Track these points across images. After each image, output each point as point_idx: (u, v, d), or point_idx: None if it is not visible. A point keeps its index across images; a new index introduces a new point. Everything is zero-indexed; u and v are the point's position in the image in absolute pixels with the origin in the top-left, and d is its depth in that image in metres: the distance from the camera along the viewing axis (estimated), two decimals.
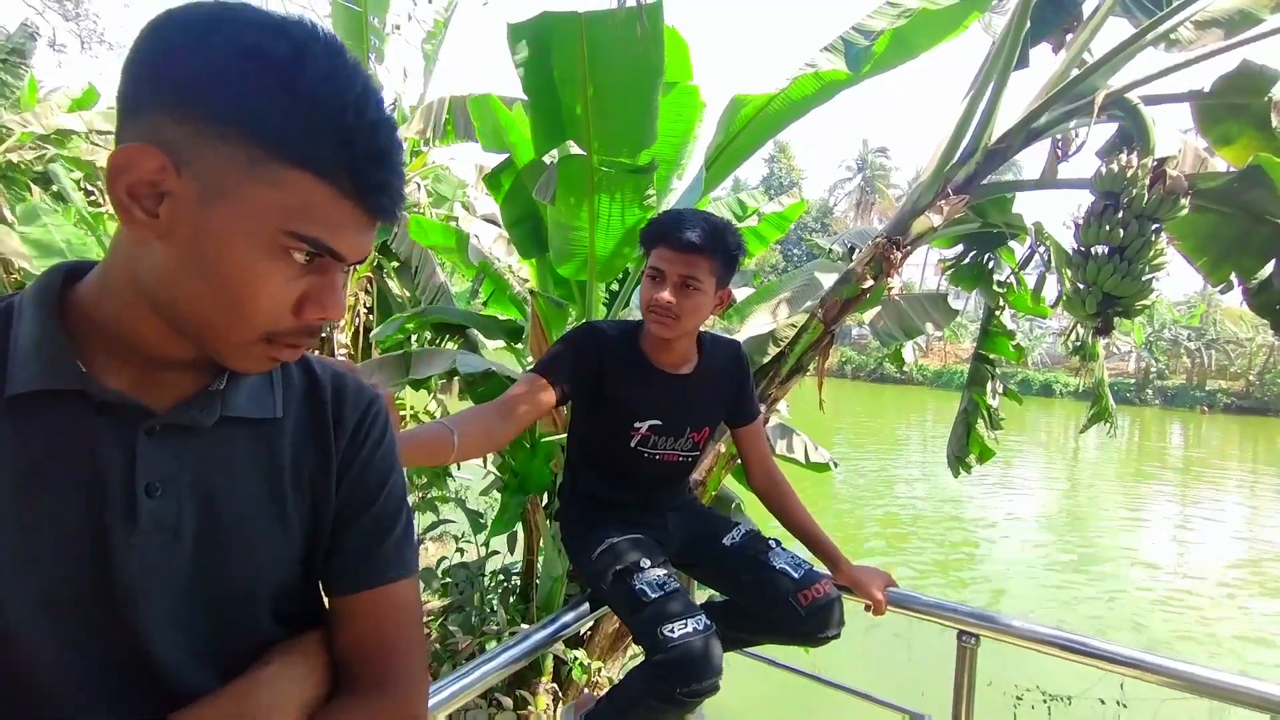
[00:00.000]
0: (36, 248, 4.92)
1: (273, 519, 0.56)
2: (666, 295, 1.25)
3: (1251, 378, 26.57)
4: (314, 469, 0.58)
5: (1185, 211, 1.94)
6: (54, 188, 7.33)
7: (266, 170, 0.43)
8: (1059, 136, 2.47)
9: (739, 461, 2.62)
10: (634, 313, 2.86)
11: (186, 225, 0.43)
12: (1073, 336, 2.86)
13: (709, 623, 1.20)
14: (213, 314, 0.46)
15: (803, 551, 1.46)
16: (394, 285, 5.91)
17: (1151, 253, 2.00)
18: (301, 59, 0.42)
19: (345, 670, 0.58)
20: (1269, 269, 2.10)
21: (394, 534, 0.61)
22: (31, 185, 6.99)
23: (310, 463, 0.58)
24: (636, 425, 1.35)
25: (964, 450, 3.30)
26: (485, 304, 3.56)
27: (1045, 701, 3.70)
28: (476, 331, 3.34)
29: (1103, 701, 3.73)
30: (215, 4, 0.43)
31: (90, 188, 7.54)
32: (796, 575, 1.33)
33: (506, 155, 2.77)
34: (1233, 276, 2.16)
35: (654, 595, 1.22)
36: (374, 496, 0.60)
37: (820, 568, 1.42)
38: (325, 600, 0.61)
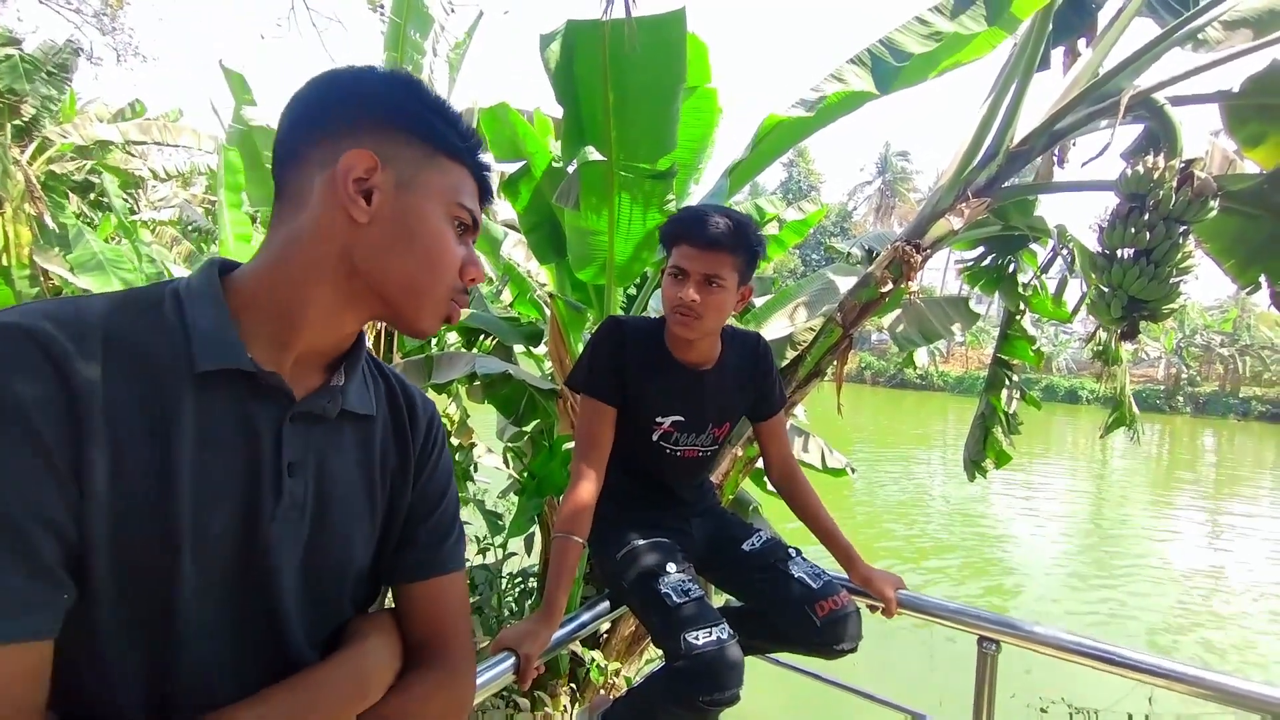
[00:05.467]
0: (77, 263, 5.11)
1: (365, 507, 0.63)
2: (691, 293, 1.23)
3: None
4: (395, 467, 0.66)
5: (1214, 213, 1.90)
6: (92, 195, 7.59)
7: (436, 161, 0.60)
8: (1063, 143, 2.44)
9: (756, 465, 2.64)
10: (653, 316, 2.88)
11: (390, 208, 0.57)
12: (1095, 341, 2.81)
13: (731, 631, 1.20)
14: (418, 273, 0.59)
15: (822, 556, 1.45)
16: None
17: (1179, 255, 1.96)
18: (422, 87, 0.61)
19: (412, 646, 0.66)
20: None
21: (455, 531, 0.71)
22: (70, 194, 7.25)
23: (393, 460, 0.66)
24: (659, 420, 1.35)
25: (981, 455, 3.25)
26: (512, 304, 3.61)
27: (1071, 716, 3.62)
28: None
29: (1130, 717, 3.64)
30: (363, 66, 0.62)
31: (126, 195, 7.79)
32: (815, 585, 1.32)
33: (523, 163, 2.82)
34: (1261, 279, 2.11)
35: (678, 600, 1.21)
36: (441, 497, 0.70)
37: (839, 572, 1.41)
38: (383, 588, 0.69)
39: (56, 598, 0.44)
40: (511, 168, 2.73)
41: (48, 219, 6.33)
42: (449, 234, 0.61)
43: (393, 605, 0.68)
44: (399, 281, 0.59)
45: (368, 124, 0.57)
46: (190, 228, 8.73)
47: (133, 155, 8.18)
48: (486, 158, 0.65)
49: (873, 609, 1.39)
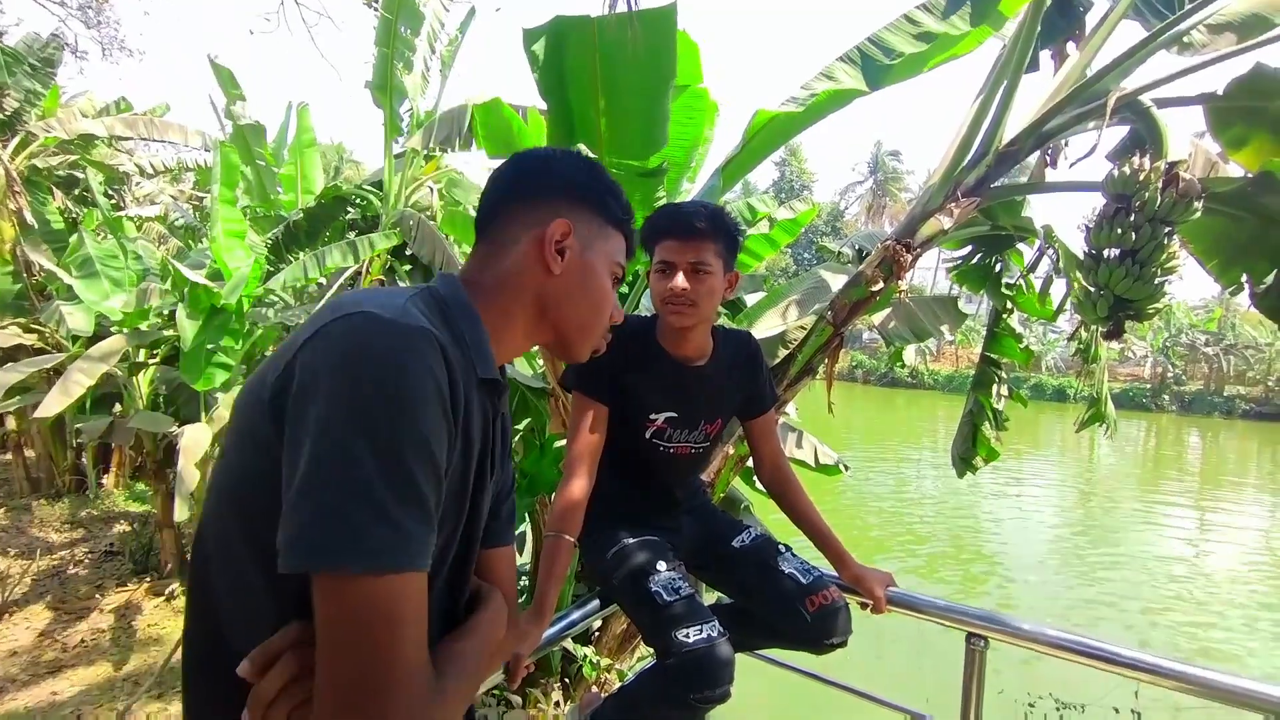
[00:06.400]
0: (69, 262, 5.06)
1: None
2: (681, 283, 1.26)
3: (1271, 383, 26.09)
4: (502, 453, 0.80)
5: (1198, 214, 1.93)
6: (76, 191, 7.48)
7: (605, 229, 0.79)
8: (1050, 144, 2.46)
9: (747, 463, 2.65)
10: (644, 314, 2.88)
11: (575, 264, 0.76)
12: (1078, 339, 2.84)
13: (721, 629, 1.21)
14: (588, 317, 0.78)
15: (812, 554, 1.46)
16: None
17: (1164, 256, 1.98)
18: (608, 176, 0.81)
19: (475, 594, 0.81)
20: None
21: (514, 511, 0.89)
22: (53, 189, 7.14)
23: (499, 449, 0.80)
24: (652, 417, 1.36)
25: (970, 451, 3.28)
26: None
27: (1058, 709, 3.66)
28: None
29: (1117, 710, 3.68)
30: (546, 147, 0.85)
31: (111, 191, 7.67)
32: (805, 581, 1.33)
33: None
34: (1243, 279, 2.14)
35: (668, 598, 1.22)
36: (513, 480, 0.88)
37: (829, 569, 1.42)
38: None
39: (432, 539, 0.55)
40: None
41: (27, 214, 6.23)
42: (609, 286, 0.80)
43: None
44: (574, 322, 0.78)
45: (565, 200, 0.76)
46: (177, 224, 8.63)
47: (119, 151, 8.06)
48: (633, 225, 0.85)
49: (863, 606, 1.40)
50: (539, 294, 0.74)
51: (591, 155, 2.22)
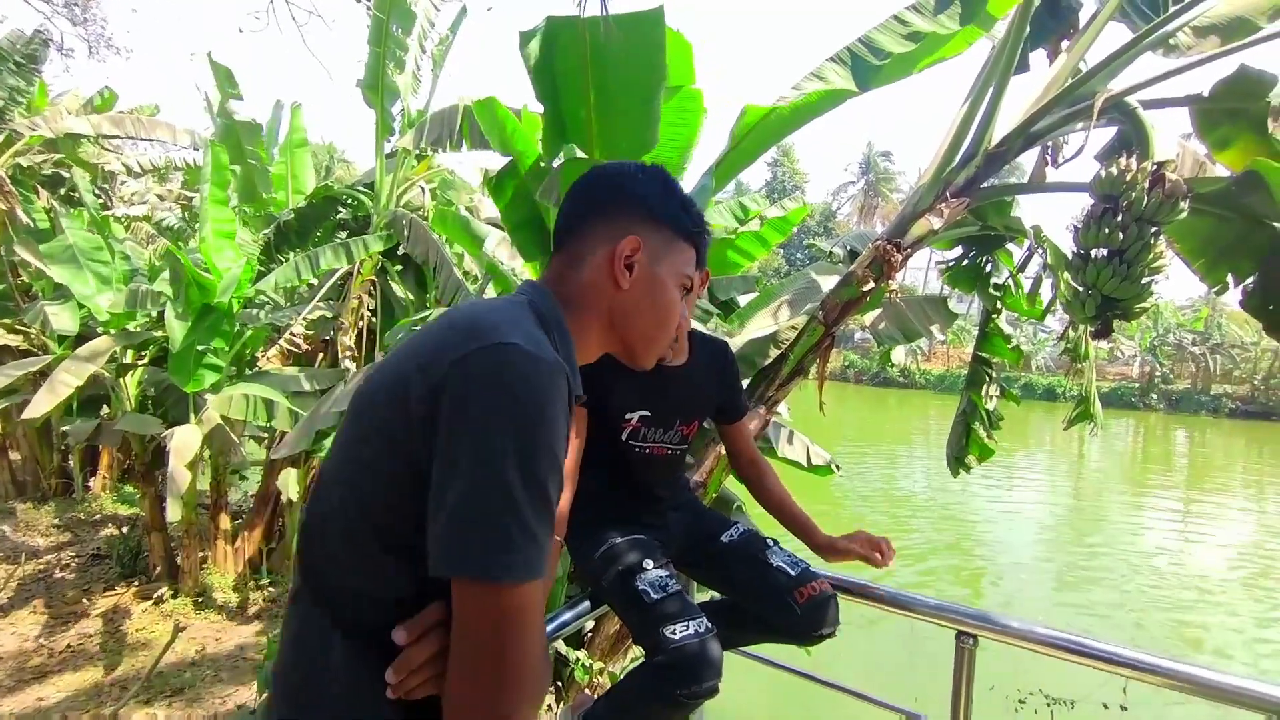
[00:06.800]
0: (53, 249, 4.99)
1: None
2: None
3: (1257, 382, 26.41)
4: None
5: (1184, 215, 1.94)
6: (62, 189, 7.39)
7: (675, 243, 0.84)
8: (1049, 142, 2.48)
9: None
10: None
11: (643, 278, 0.80)
12: (1067, 339, 2.86)
13: (710, 625, 1.21)
14: (654, 329, 0.83)
15: (798, 549, 1.47)
16: (397, 289, 5.94)
17: (1150, 256, 2.00)
18: (679, 188, 0.85)
19: None
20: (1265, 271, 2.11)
21: None
22: (39, 187, 7.05)
23: None
24: (628, 417, 1.37)
25: (963, 451, 3.30)
26: None
27: (1048, 705, 3.69)
28: None
29: (1106, 706, 3.72)
30: (633, 162, 0.87)
31: (98, 190, 7.59)
32: (794, 573, 1.34)
33: (510, 160, 2.80)
34: (1229, 278, 2.17)
35: (656, 596, 1.23)
36: None
37: (816, 566, 1.43)
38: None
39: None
40: (499, 161, 2.71)
41: (19, 212, 6.15)
42: (678, 298, 0.84)
43: None
44: (639, 334, 0.82)
45: (638, 216, 0.81)
46: (163, 224, 8.54)
47: (106, 149, 7.97)
48: (706, 234, 0.88)
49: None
50: (610, 308, 0.80)
51: (583, 156, 2.23)
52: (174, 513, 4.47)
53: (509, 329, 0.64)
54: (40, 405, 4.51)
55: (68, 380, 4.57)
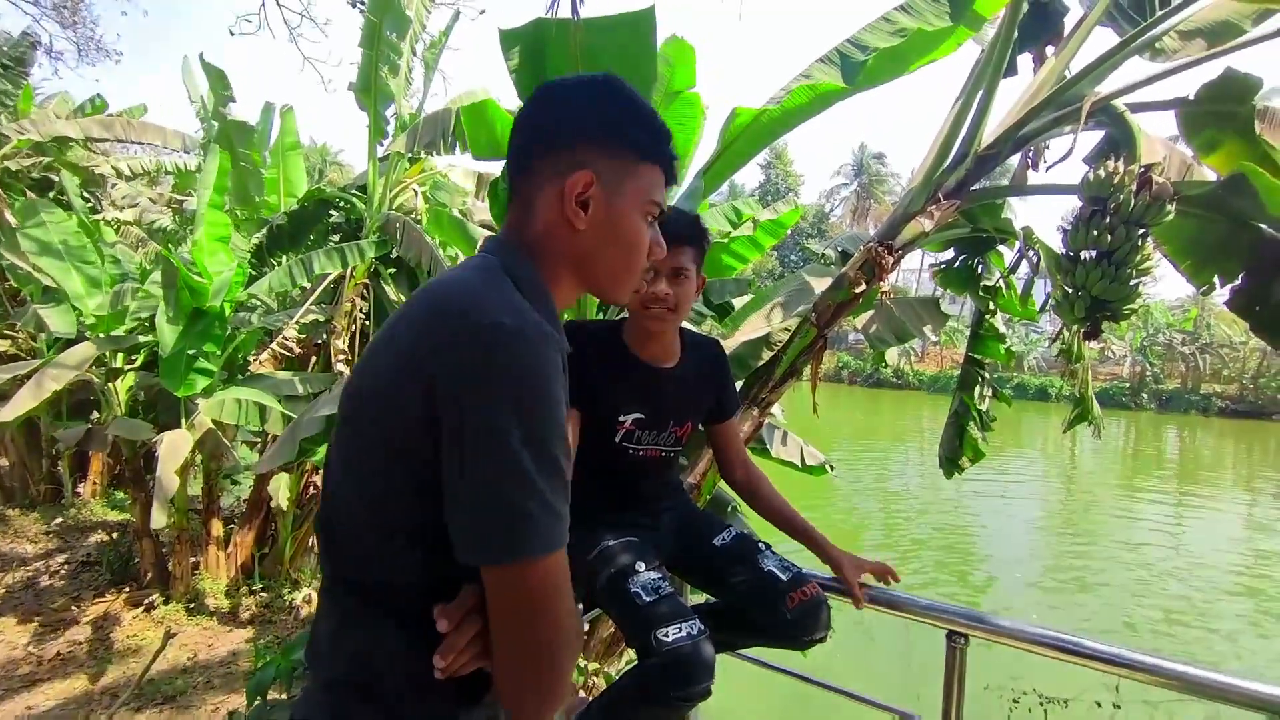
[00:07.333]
0: (36, 244, 4.92)
1: None
2: (664, 288, 1.30)
3: (1245, 381, 26.65)
4: None
5: (1171, 217, 1.97)
6: (51, 194, 7.32)
7: (637, 167, 0.74)
8: (1033, 147, 2.50)
9: None
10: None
11: (601, 215, 0.72)
12: (1061, 340, 2.88)
13: (702, 626, 1.21)
14: (620, 265, 0.76)
15: (793, 554, 1.47)
16: (390, 291, 5.92)
17: (1139, 257, 2.02)
18: (635, 99, 0.74)
19: None
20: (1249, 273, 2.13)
21: None
22: (28, 191, 6.99)
23: None
24: (621, 419, 1.37)
25: (956, 452, 3.31)
26: None
27: (1042, 704, 3.71)
28: None
29: (1099, 704, 3.74)
30: (581, 75, 0.78)
31: (87, 194, 7.52)
32: (785, 577, 1.34)
33: (505, 162, 2.79)
34: (1216, 279, 2.19)
35: (648, 599, 1.23)
36: None
37: (809, 569, 1.43)
38: None
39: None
40: (492, 167, 2.71)
41: (8, 216, 6.09)
42: (644, 228, 0.76)
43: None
44: (608, 274, 0.76)
45: (584, 143, 0.72)
46: (155, 226, 8.48)
47: (95, 153, 7.91)
48: (671, 147, 0.78)
49: (851, 596, 1.40)
50: (571, 251, 0.73)
51: None
52: (158, 519, 4.41)
53: (490, 307, 0.62)
54: (21, 403, 4.42)
55: (52, 384, 4.51)
